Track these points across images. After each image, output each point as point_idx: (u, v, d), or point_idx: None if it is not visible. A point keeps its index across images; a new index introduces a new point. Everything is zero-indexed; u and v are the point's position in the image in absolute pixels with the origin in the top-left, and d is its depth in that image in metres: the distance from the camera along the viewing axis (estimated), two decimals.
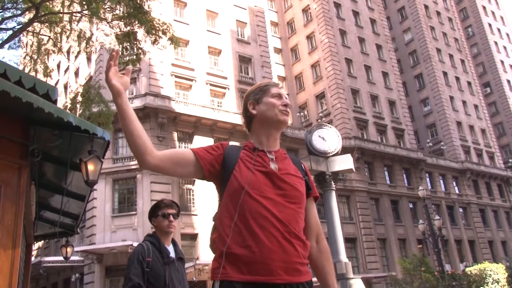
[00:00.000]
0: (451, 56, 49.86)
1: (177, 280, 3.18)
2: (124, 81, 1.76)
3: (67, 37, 15.58)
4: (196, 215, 23.52)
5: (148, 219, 3.44)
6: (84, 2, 12.93)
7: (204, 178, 1.85)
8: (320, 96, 37.19)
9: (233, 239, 1.66)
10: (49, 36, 15.07)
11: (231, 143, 1.94)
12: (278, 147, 1.92)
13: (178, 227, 19.59)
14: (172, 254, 3.25)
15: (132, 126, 1.71)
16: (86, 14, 13.96)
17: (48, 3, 13.83)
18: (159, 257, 3.12)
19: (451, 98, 46.35)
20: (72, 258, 17.39)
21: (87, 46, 15.43)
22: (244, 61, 31.26)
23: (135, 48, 14.81)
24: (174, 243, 3.38)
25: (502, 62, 57.95)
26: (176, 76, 27.16)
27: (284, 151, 1.94)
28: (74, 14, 14.54)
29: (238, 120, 27.02)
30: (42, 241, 23.72)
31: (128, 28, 14.07)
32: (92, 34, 16.18)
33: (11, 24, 14.67)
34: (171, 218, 3.27)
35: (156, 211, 3.30)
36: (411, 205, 35.67)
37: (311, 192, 1.91)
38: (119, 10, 14.29)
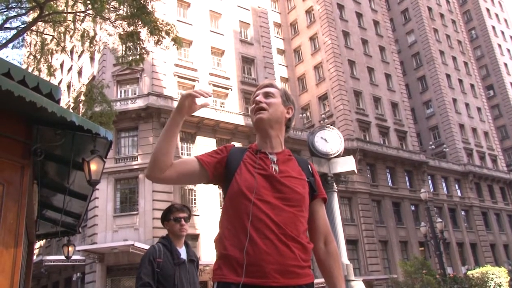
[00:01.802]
0: (454, 58, 49.76)
1: (187, 281, 3.28)
2: (194, 107, 1.83)
3: (71, 37, 15.64)
4: (198, 215, 23.53)
5: (161, 220, 3.54)
6: (88, 2, 12.97)
7: (209, 181, 1.88)
8: (323, 98, 37.17)
9: (230, 241, 1.69)
10: (52, 36, 15.11)
11: (235, 144, 1.93)
12: (281, 149, 1.91)
13: None
14: (184, 256, 3.37)
15: (167, 143, 1.79)
16: (90, 13, 14.00)
17: (52, 3, 13.88)
18: (169, 259, 3.25)
19: (454, 100, 46.26)
20: (74, 257, 17.42)
21: (91, 45, 15.47)
22: (247, 62, 31.28)
23: (138, 48, 14.85)
24: (187, 245, 3.51)
25: (505, 64, 57.77)
26: (179, 76, 27.18)
27: (288, 152, 1.93)
28: (78, 13, 14.59)
29: (241, 120, 27.03)
30: (44, 240, 23.75)
31: (132, 28, 14.11)
32: (95, 34, 16.20)
33: (15, 23, 14.80)
34: (183, 222, 3.40)
35: (168, 215, 3.42)
36: (413, 208, 35.58)
37: (316, 193, 1.90)
38: (123, 10, 14.32)
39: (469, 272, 18.78)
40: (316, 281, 1.77)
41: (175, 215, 3.38)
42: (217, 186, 1.93)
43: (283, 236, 1.66)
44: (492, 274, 16.98)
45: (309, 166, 1.95)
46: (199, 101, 1.83)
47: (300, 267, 1.68)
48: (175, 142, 1.81)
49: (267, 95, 1.93)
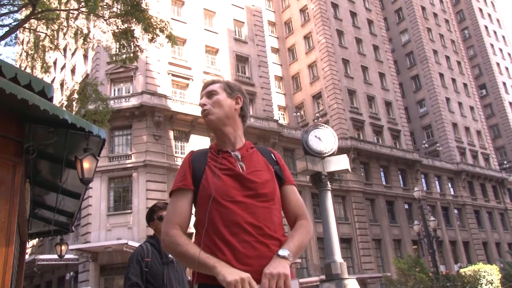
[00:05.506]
0: (447, 57, 50.06)
1: (176, 280, 3.28)
2: None
3: (64, 34, 15.51)
4: (191, 214, 23.46)
5: (146, 221, 3.54)
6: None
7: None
8: (317, 96, 37.24)
9: (206, 248, 1.63)
10: (46, 33, 14.98)
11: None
12: (242, 143, 1.86)
13: None
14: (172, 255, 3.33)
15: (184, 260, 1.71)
16: (83, 11, 13.89)
17: (45, 0, 13.75)
18: (158, 258, 3.24)
19: (447, 99, 46.55)
20: (67, 256, 17.31)
21: (84, 43, 15.37)
22: (241, 60, 31.24)
23: (132, 46, 14.75)
24: None
25: (498, 64, 58.23)
26: (173, 75, 27.11)
27: (250, 144, 1.89)
28: (71, 11, 14.47)
29: None
30: (37, 239, 23.60)
31: (126, 25, 14.01)
32: (89, 32, 16.08)
33: (7, 20, 14.58)
34: None
35: (152, 215, 3.42)
36: (406, 206, 35.79)
37: (284, 181, 1.85)
38: (117, 8, 14.22)
39: (461, 270, 18.91)
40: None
41: (159, 214, 3.36)
42: None
43: (261, 236, 1.64)
44: (484, 272, 17.12)
45: (272, 154, 1.90)
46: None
47: None
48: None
49: (210, 94, 1.87)
